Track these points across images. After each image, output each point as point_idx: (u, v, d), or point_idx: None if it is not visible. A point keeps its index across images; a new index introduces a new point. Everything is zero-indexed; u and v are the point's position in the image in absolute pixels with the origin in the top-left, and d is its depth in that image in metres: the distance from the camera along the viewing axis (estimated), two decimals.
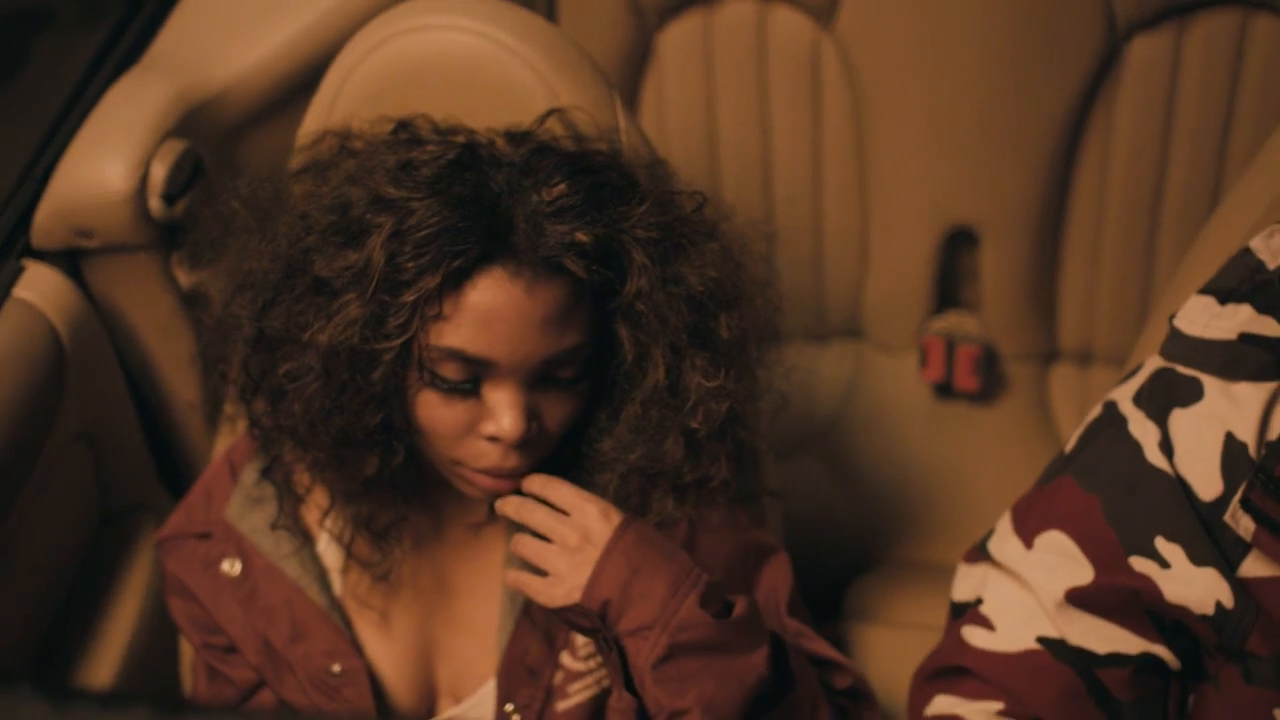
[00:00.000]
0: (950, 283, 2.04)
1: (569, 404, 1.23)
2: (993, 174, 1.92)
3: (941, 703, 1.30)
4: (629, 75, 1.96)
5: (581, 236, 1.15)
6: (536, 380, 1.20)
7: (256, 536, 1.35)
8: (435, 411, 1.19)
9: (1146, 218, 1.93)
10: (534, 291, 1.15)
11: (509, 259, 1.14)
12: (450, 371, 1.17)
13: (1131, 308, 1.97)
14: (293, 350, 1.21)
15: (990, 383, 2.04)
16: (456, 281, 1.14)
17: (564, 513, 1.22)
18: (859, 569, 1.95)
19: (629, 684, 1.18)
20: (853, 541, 1.99)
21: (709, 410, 1.24)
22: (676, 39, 1.93)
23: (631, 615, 1.17)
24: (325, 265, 1.18)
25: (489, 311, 1.14)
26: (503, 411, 1.18)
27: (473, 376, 1.18)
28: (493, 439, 1.20)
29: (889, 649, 1.72)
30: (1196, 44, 1.82)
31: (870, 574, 1.94)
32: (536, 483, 1.24)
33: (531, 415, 1.20)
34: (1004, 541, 1.30)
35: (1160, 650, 1.22)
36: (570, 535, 1.20)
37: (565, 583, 1.19)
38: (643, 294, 1.21)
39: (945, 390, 2.04)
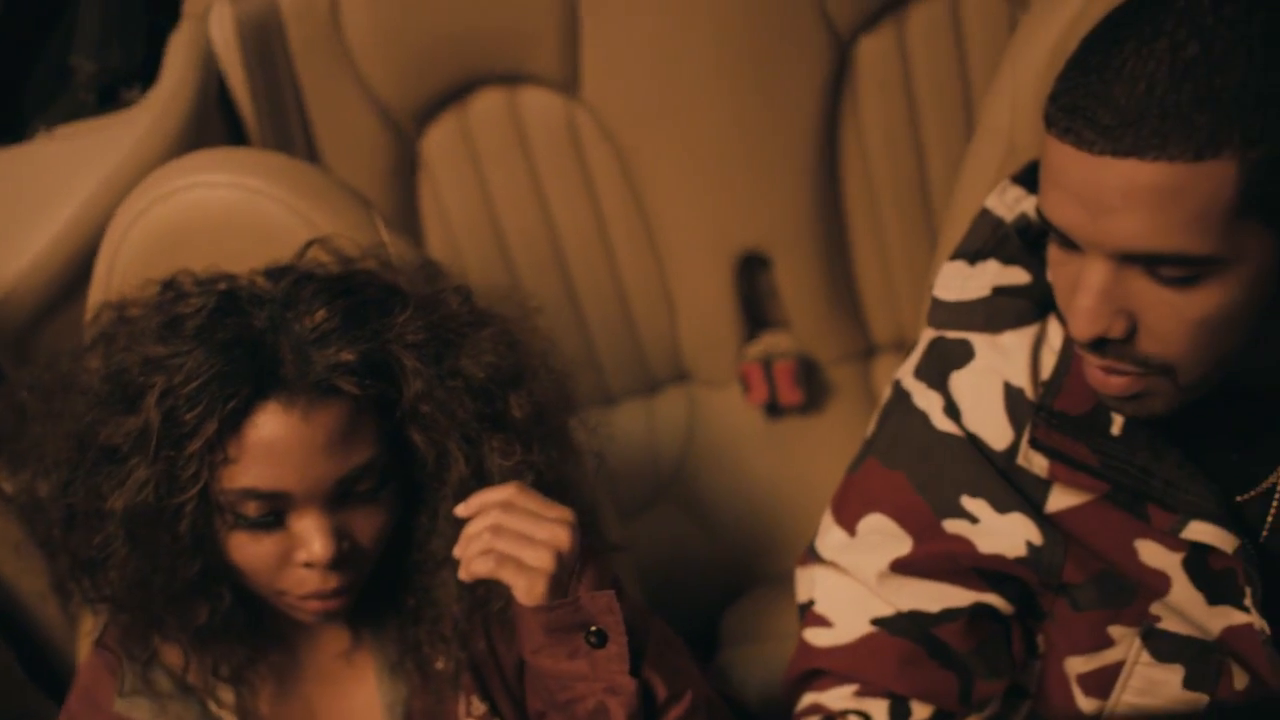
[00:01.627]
0: (758, 306, 2.10)
1: (377, 516, 1.26)
2: (764, 196, 1.98)
3: (806, 700, 1.34)
4: (402, 188, 1.99)
5: (347, 356, 1.19)
6: (337, 500, 1.22)
7: (150, 717, 1.35)
8: (247, 550, 1.22)
9: (918, 201, 2.01)
10: (311, 418, 1.18)
11: (281, 391, 1.17)
12: (251, 510, 1.20)
13: (928, 288, 2.03)
14: (98, 522, 1.23)
15: (815, 392, 2.09)
16: (235, 423, 1.17)
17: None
18: (731, 598, 1.98)
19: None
20: (720, 574, 2.02)
21: None
22: (439, 142, 1.97)
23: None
24: (110, 434, 1.21)
25: (271, 445, 1.17)
26: (311, 537, 1.21)
27: (274, 509, 1.20)
28: (308, 565, 1.22)
29: (775, 663, 1.74)
30: (918, 32, 1.91)
31: (743, 599, 1.97)
32: (509, 490, 1.20)
33: (341, 534, 1.23)
34: (827, 534, 1.34)
35: (990, 598, 1.26)
36: (561, 535, 1.17)
37: (545, 581, 1.16)
38: (422, 396, 1.24)
39: (774, 409, 2.08)
